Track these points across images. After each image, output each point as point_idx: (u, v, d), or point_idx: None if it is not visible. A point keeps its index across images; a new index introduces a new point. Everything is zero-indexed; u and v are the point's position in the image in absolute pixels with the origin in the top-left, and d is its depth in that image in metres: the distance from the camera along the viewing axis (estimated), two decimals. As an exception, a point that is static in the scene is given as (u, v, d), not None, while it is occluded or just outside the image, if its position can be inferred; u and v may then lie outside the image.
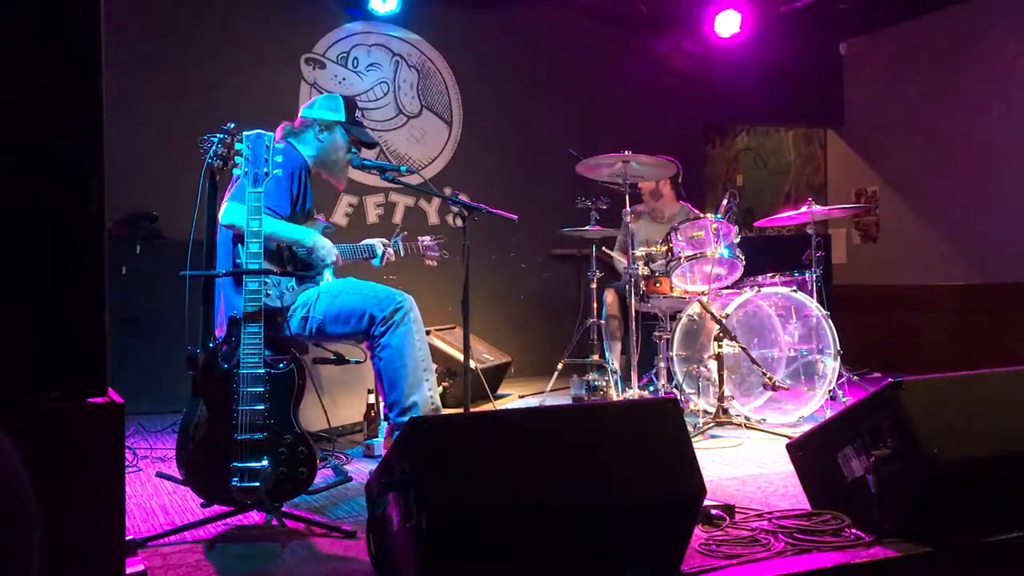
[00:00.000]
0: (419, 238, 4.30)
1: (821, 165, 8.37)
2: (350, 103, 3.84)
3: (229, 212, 3.34)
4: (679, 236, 4.69)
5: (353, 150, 3.84)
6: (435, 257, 4.33)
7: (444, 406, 3.81)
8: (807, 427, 3.48)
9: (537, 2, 6.89)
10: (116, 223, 5.35)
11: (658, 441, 2.27)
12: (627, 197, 4.76)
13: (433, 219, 6.85)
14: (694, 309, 4.71)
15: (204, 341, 2.74)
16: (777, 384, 4.27)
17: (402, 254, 4.17)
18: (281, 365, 2.71)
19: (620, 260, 5.60)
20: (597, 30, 7.22)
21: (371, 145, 4.07)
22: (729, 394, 4.39)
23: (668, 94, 7.39)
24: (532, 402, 5.51)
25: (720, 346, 4.33)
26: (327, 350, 3.89)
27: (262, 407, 2.65)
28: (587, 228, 5.12)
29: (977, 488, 2.49)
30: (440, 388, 4.22)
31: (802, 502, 2.84)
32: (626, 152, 4.61)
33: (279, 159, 2.91)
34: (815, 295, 4.79)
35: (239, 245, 3.36)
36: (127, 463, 3.68)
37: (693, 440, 2.50)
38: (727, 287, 4.77)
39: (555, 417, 2.40)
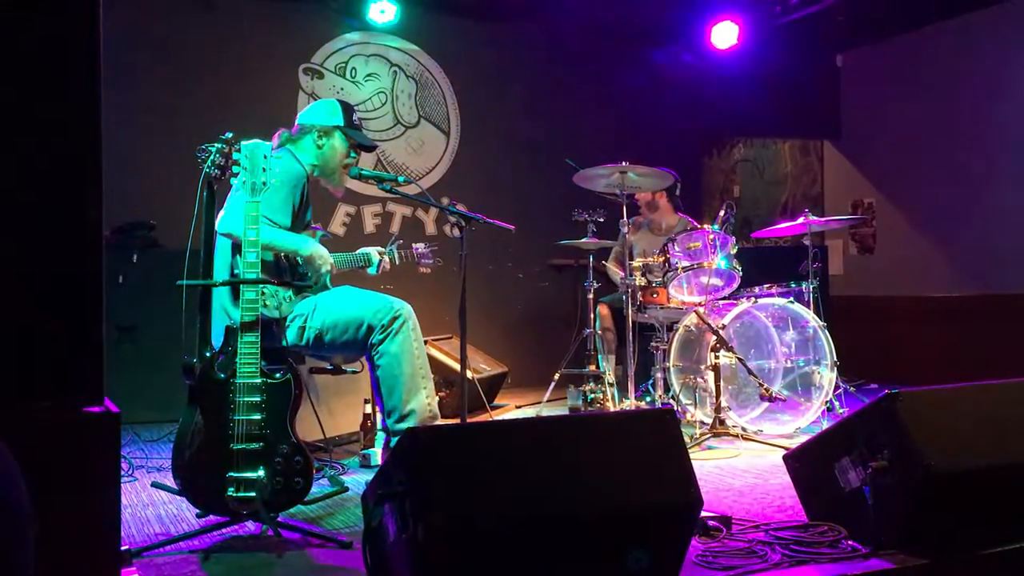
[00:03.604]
0: (413, 245, 4.30)
1: (818, 176, 8.39)
2: (347, 107, 3.85)
3: (227, 220, 3.34)
4: (676, 247, 4.69)
5: (352, 155, 3.84)
6: (429, 264, 4.33)
7: (440, 416, 3.81)
8: (804, 438, 3.47)
9: (535, 14, 6.91)
10: (113, 232, 5.35)
11: (655, 452, 2.27)
12: (624, 208, 4.76)
13: (430, 229, 6.86)
14: (691, 320, 4.71)
15: (200, 351, 2.73)
16: (774, 395, 4.27)
17: (397, 262, 4.16)
18: (277, 375, 2.71)
19: (615, 271, 5.59)
20: (595, 41, 7.24)
21: (370, 148, 4.07)
22: (726, 405, 4.38)
23: (666, 105, 7.41)
24: (529, 412, 5.50)
25: (717, 357, 4.33)
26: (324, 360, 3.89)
27: (258, 417, 2.65)
28: (584, 239, 5.12)
29: (974, 499, 2.49)
30: (437, 398, 4.21)
31: (799, 513, 2.83)
32: (623, 163, 4.61)
33: (277, 168, 2.91)
34: (812, 306, 4.79)
35: (237, 256, 3.36)
36: (122, 472, 3.67)
37: (690, 451, 2.50)
38: (724, 298, 4.77)
39: (552, 428, 2.40)
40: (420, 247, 4.32)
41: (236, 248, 3.36)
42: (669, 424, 2.32)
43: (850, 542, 2.51)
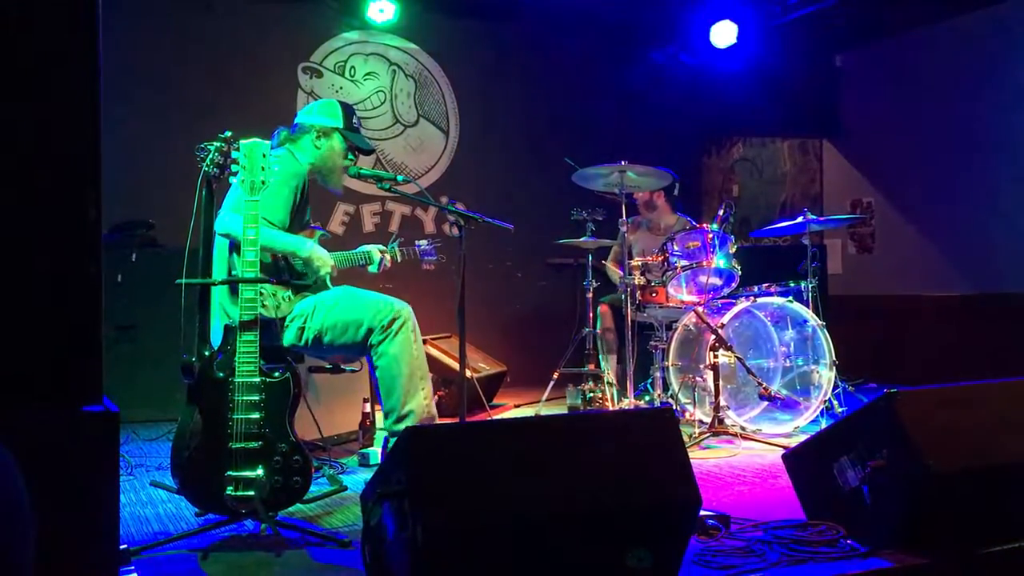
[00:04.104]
0: (415, 242, 4.30)
1: (817, 176, 8.39)
2: (347, 109, 3.84)
3: (225, 221, 3.33)
4: (675, 246, 4.69)
5: (350, 156, 3.84)
6: (432, 261, 4.33)
7: (439, 415, 3.81)
8: (803, 437, 3.47)
9: (534, 12, 6.90)
10: (112, 230, 5.35)
11: (654, 451, 2.27)
12: (623, 207, 4.76)
13: (429, 228, 6.86)
14: (690, 319, 4.71)
15: (199, 349, 2.73)
16: (773, 393, 4.27)
17: (399, 259, 4.16)
18: (276, 374, 2.71)
19: (614, 271, 5.59)
20: (594, 40, 7.24)
21: (368, 152, 4.07)
22: (725, 404, 4.38)
23: (665, 105, 7.41)
24: (527, 412, 5.50)
25: (716, 356, 4.33)
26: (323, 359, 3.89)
27: (257, 416, 2.65)
28: (583, 238, 5.12)
29: (973, 499, 2.49)
30: (435, 397, 4.22)
31: (798, 513, 2.83)
32: (622, 162, 4.61)
33: (276, 167, 2.90)
34: (811, 305, 4.79)
35: (235, 255, 3.35)
36: (121, 471, 3.66)
37: (688, 450, 2.50)
38: (723, 297, 4.77)
39: (551, 427, 2.40)
40: (423, 244, 4.31)
41: (234, 248, 3.36)
42: (668, 423, 2.32)
43: (849, 541, 2.51)
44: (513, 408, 5.71)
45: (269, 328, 3.35)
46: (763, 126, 8.19)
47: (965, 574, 2.48)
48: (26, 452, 1.18)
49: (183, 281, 2.80)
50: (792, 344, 4.76)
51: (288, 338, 3.51)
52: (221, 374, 2.67)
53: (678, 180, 5.44)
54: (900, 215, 7.51)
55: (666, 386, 4.76)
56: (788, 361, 4.75)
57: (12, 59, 1.70)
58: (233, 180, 2.85)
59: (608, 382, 5.08)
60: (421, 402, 3.54)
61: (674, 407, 4.50)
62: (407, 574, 2.02)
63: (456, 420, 4.01)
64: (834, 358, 4.55)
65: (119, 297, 5.04)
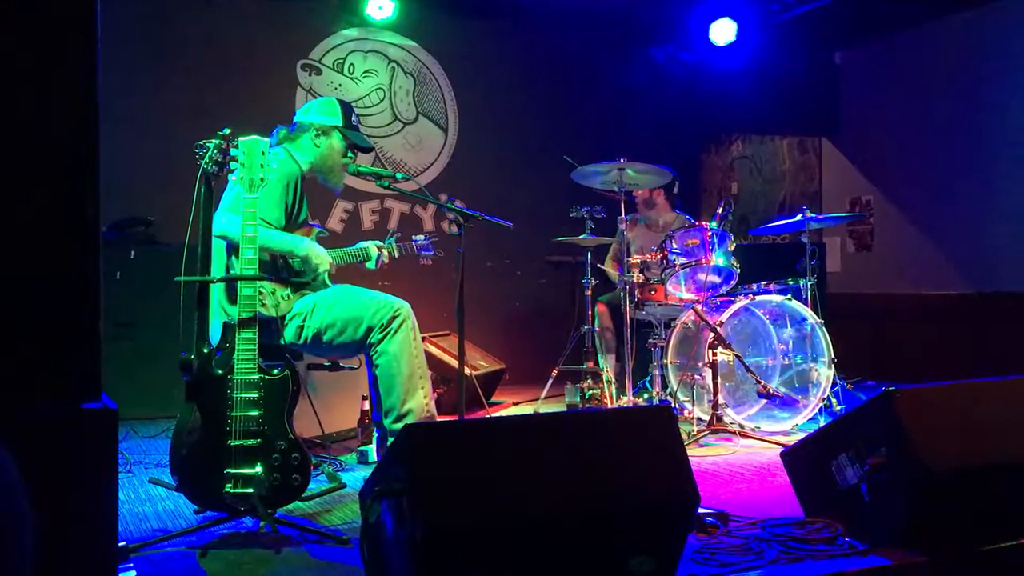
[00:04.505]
0: (412, 238, 4.29)
1: (816, 173, 8.39)
2: (346, 107, 3.84)
3: (222, 223, 3.32)
4: (674, 244, 4.68)
5: (350, 154, 3.83)
6: (429, 256, 4.33)
7: (438, 413, 3.81)
8: (801, 435, 3.48)
9: (533, 10, 6.90)
10: (111, 227, 5.34)
11: (652, 449, 2.27)
12: (622, 205, 4.75)
13: (428, 225, 6.85)
14: (689, 317, 4.71)
15: (198, 347, 2.73)
16: (772, 391, 4.27)
17: (396, 255, 4.15)
18: (275, 371, 2.71)
19: (612, 270, 5.57)
20: (594, 38, 7.23)
21: (367, 150, 4.06)
22: (723, 402, 4.38)
23: (664, 102, 7.41)
24: (526, 409, 5.50)
25: (715, 354, 4.33)
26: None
27: (256, 413, 2.65)
28: (582, 236, 5.12)
29: (971, 497, 2.49)
30: (434, 396, 4.22)
31: (796, 510, 2.84)
32: (621, 160, 4.61)
33: (274, 165, 2.90)
34: (809, 303, 4.79)
35: (233, 257, 3.34)
36: (119, 469, 3.66)
37: (687, 448, 2.50)
38: (722, 295, 4.77)
39: (550, 425, 2.40)
40: (420, 239, 4.31)
41: (232, 250, 3.35)
42: (666, 421, 2.32)
43: (847, 539, 2.51)
44: (512, 406, 5.71)
45: (268, 325, 3.35)
46: (762, 124, 8.20)
47: (963, 572, 2.48)
48: (25, 449, 1.18)
49: (182, 278, 2.80)
50: (791, 342, 4.76)
51: (287, 336, 3.50)
52: (220, 371, 2.67)
53: (677, 178, 5.44)
54: (899, 213, 7.51)
55: (665, 384, 4.76)
56: (787, 359, 4.76)
57: (10, 57, 1.70)
58: (231, 177, 2.84)
59: (607, 380, 5.08)
60: (420, 401, 3.54)
61: (673, 405, 4.49)
62: (406, 572, 2.02)
63: (455, 418, 4.01)
64: (832, 356, 4.55)
65: (118, 294, 5.04)
